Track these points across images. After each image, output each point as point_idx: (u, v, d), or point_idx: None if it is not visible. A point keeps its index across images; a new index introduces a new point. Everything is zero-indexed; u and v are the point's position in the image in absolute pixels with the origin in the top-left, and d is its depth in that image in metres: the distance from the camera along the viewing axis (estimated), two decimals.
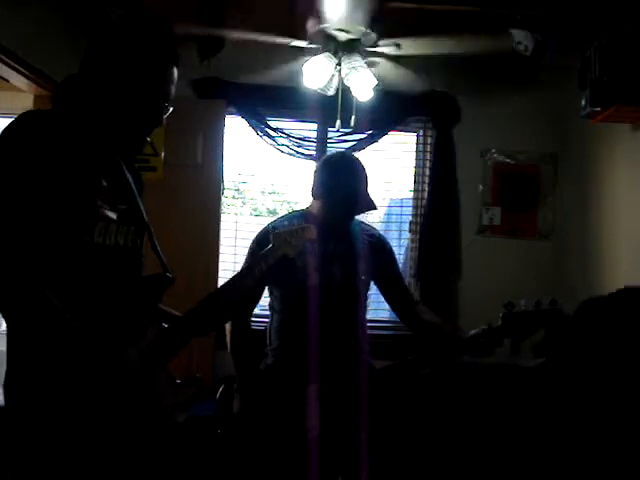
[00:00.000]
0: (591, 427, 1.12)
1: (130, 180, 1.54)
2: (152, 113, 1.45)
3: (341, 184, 2.18)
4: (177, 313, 1.58)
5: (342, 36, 3.24)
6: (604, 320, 1.14)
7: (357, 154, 3.62)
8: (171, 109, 1.48)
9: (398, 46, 3.31)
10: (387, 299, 2.39)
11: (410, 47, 3.31)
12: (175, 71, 1.48)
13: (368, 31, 3.16)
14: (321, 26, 3.15)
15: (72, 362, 1.30)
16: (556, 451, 1.15)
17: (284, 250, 1.69)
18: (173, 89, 1.48)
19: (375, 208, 2.24)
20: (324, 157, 2.48)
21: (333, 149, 3.81)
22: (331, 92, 3.44)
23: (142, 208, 1.55)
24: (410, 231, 3.98)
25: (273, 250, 1.69)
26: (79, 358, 1.30)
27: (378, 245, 2.34)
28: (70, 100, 1.45)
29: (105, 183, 1.43)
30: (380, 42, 3.27)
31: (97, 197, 1.40)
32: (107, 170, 1.47)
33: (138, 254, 1.54)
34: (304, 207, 2.37)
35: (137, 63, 1.41)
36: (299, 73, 3.39)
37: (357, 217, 2.32)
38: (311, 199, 2.28)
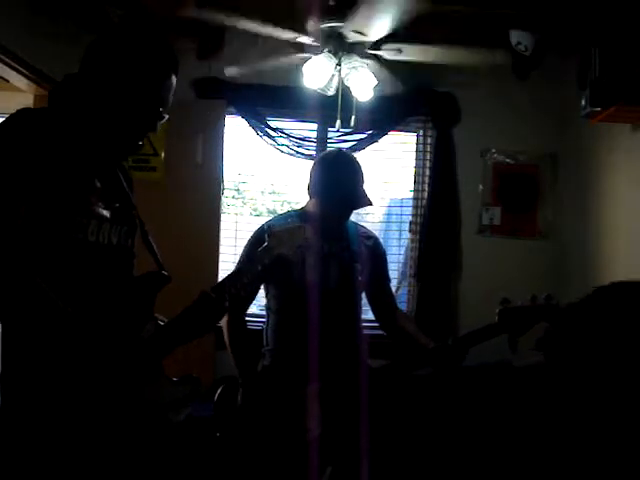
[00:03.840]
0: (594, 427, 1.12)
1: (122, 180, 1.55)
2: (147, 119, 1.45)
3: (337, 181, 2.18)
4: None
5: (352, 37, 3.23)
6: (610, 313, 1.14)
7: (357, 154, 3.63)
8: (167, 117, 1.48)
9: (400, 51, 3.30)
10: (370, 301, 2.41)
11: (411, 53, 3.30)
12: (174, 79, 1.48)
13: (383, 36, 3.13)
14: (328, 25, 3.12)
15: (67, 349, 1.31)
16: (553, 449, 1.15)
17: (279, 249, 1.69)
18: (171, 97, 1.48)
19: (371, 204, 2.24)
20: (320, 155, 2.49)
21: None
22: (331, 92, 3.44)
23: (135, 208, 1.55)
24: (410, 231, 3.98)
25: (268, 249, 1.68)
26: (74, 344, 1.30)
27: (374, 249, 2.35)
28: (67, 100, 1.45)
29: (99, 184, 1.44)
30: (383, 46, 3.26)
31: (91, 195, 1.40)
32: (100, 170, 1.47)
33: (130, 253, 1.55)
34: (301, 206, 2.37)
35: (137, 68, 1.41)
36: (299, 73, 3.39)
37: (355, 218, 2.33)
38: (308, 198, 2.29)
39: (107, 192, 1.46)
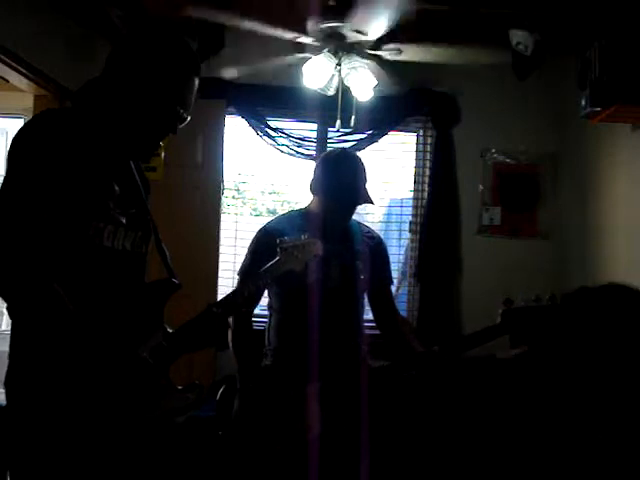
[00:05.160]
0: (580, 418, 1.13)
1: (140, 185, 1.55)
2: (168, 119, 1.46)
3: (340, 178, 2.19)
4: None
5: (352, 37, 3.22)
6: (592, 312, 1.16)
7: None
8: (188, 119, 1.48)
9: (399, 51, 3.31)
10: (371, 302, 2.40)
11: (411, 53, 3.31)
12: (196, 81, 1.48)
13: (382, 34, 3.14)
14: (329, 24, 3.13)
15: (76, 352, 1.31)
16: (541, 440, 1.16)
17: (291, 264, 1.73)
18: (192, 99, 1.48)
19: (372, 202, 2.25)
20: (323, 153, 2.50)
21: None
22: (331, 92, 3.44)
23: (150, 214, 1.56)
24: (410, 231, 3.98)
25: (279, 264, 1.71)
26: (83, 347, 1.31)
27: (376, 248, 2.35)
28: (90, 102, 1.46)
29: (117, 188, 1.44)
30: (383, 46, 3.27)
31: (109, 200, 1.41)
32: (119, 175, 1.48)
33: (143, 260, 1.55)
34: (303, 206, 2.38)
35: (159, 69, 1.42)
36: (299, 73, 3.39)
37: (357, 218, 2.33)
38: (310, 196, 2.29)
39: (124, 197, 1.47)
